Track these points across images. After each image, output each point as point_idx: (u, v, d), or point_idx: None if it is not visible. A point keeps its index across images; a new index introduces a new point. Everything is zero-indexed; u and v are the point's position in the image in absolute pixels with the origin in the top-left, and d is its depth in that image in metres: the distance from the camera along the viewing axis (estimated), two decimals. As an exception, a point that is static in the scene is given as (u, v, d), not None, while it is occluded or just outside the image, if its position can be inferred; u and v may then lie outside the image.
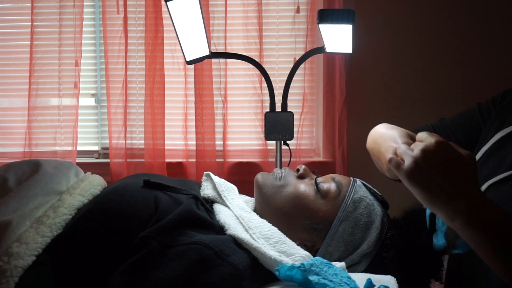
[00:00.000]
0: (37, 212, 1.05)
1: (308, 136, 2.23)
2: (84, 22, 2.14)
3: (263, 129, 1.80)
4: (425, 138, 0.77)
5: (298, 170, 1.21)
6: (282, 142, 1.78)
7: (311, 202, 1.13)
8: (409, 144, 0.81)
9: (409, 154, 0.76)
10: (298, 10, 2.14)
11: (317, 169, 1.27)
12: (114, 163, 2.12)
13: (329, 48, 1.67)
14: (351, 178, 1.20)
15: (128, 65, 2.11)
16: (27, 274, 0.96)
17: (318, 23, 1.56)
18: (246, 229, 1.05)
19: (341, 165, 2.09)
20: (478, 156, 1.06)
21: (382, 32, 2.15)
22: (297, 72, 1.77)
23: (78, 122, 2.15)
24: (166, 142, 2.13)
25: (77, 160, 2.16)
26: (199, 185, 1.26)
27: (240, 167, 2.16)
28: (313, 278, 0.91)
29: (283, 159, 1.80)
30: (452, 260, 1.09)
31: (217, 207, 1.15)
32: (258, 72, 1.93)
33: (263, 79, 1.80)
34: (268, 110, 1.77)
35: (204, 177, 1.27)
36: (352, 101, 2.13)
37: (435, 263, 1.10)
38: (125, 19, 2.09)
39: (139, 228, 1.00)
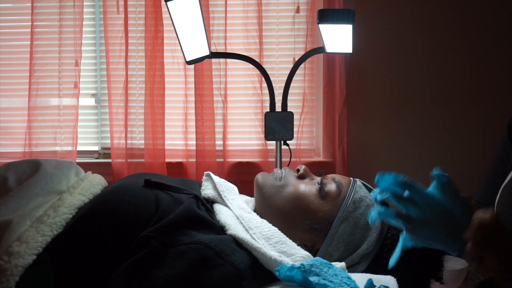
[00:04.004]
0: (37, 212, 1.05)
1: (308, 136, 2.23)
2: (84, 22, 2.13)
3: (263, 129, 1.80)
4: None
5: (298, 170, 1.21)
6: (282, 142, 1.78)
7: (311, 202, 1.13)
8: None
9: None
10: (298, 10, 2.14)
11: (318, 170, 1.27)
12: (115, 163, 2.12)
13: (329, 48, 1.67)
14: (351, 178, 1.20)
15: (129, 65, 2.11)
16: (27, 273, 0.96)
17: (318, 23, 1.56)
18: (246, 229, 1.06)
19: (341, 165, 2.09)
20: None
21: (382, 32, 2.15)
22: (297, 72, 1.77)
23: (78, 122, 2.15)
24: (166, 142, 2.13)
25: (77, 160, 2.16)
26: (199, 185, 1.27)
27: (240, 167, 2.16)
28: (313, 279, 0.91)
29: (283, 159, 1.80)
30: None
31: (218, 207, 1.15)
32: (258, 72, 1.93)
33: (263, 79, 1.80)
34: (268, 110, 1.77)
35: (204, 177, 1.27)
36: (352, 101, 2.13)
37: (435, 263, 1.10)
38: (126, 19, 2.09)
39: (140, 228, 1.00)
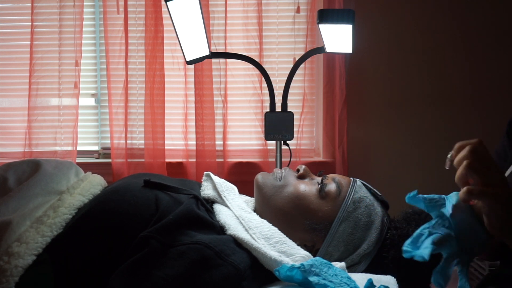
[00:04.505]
0: (37, 212, 1.05)
1: (308, 136, 2.23)
2: (84, 22, 2.14)
3: (263, 129, 1.80)
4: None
5: (298, 170, 1.21)
6: (282, 142, 1.78)
7: (311, 202, 1.13)
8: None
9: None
10: (298, 10, 2.14)
11: (318, 170, 1.27)
12: (115, 163, 2.12)
13: (329, 48, 1.67)
14: (351, 178, 1.20)
15: (129, 65, 2.11)
16: (27, 274, 0.96)
17: (318, 23, 1.56)
18: (246, 229, 1.05)
19: (341, 165, 2.09)
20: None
21: (382, 32, 2.15)
22: (297, 72, 1.77)
23: (78, 122, 2.15)
24: (166, 142, 2.13)
25: (77, 160, 2.16)
26: (199, 185, 1.26)
27: (240, 167, 2.16)
28: (313, 279, 0.91)
29: (283, 159, 1.80)
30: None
31: (217, 207, 1.15)
32: (258, 72, 1.93)
33: (263, 79, 1.80)
34: (268, 110, 1.77)
35: (204, 177, 1.27)
36: (352, 101, 2.13)
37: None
38: (126, 19, 2.09)
39: (140, 228, 1.00)
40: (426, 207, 0.83)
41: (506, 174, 1.02)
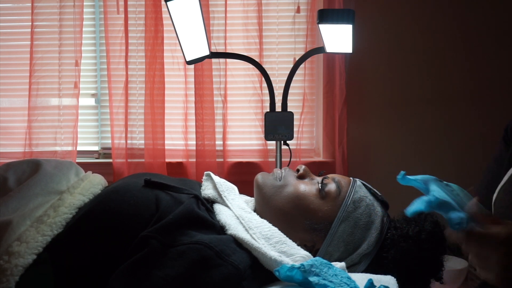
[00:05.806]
0: (37, 212, 1.05)
1: (308, 136, 2.23)
2: (84, 22, 2.14)
3: (263, 129, 1.80)
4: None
5: (298, 170, 1.21)
6: (282, 142, 1.78)
7: (311, 202, 1.13)
8: None
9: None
10: (298, 10, 2.14)
11: (318, 169, 1.27)
12: (116, 163, 2.12)
13: (329, 48, 1.67)
14: (351, 178, 1.20)
15: (129, 65, 2.11)
16: (27, 273, 0.96)
17: (318, 23, 1.56)
18: (246, 229, 1.06)
19: (341, 165, 2.09)
20: (502, 183, 1.04)
21: (382, 32, 2.15)
22: (297, 72, 1.77)
23: (78, 122, 2.15)
24: (166, 142, 2.13)
25: (77, 160, 2.16)
26: (199, 185, 1.27)
27: (240, 167, 2.16)
28: (313, 279, 0.91)
29: (283, 159, 1.80)
30: None
31: (218, 207, 1.15)
32: (258, 72, 1.93)
33: (263, 79, 1.80)
34: (268, 110, 1.77)
35: (204, 177, 1.27)
36: (352, 101, 2.13)
37: (435, 263, 1.10)
38: (126, 19, 2.09)
39: (140, 228, 1.00)
40: (420, 184, 0.83)
41: (503, 181, 1.03)
